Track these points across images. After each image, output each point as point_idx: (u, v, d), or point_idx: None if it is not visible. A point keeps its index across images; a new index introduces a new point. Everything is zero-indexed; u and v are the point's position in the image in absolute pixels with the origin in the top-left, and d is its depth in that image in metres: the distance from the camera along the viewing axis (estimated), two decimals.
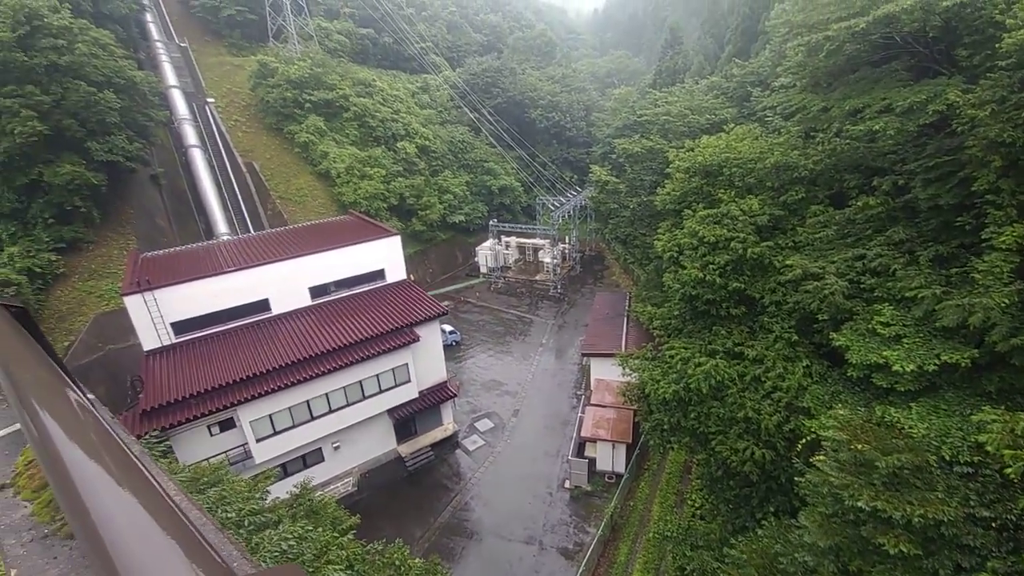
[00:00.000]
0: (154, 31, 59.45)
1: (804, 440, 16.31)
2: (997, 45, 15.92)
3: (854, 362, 16.46)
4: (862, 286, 18.68)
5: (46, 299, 33.42)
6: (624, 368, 25.13)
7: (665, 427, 22.94)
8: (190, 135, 48.30)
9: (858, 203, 20.58)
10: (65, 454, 1.34)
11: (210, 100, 54.91)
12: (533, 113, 74.07)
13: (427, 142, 60.13)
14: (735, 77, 42.27)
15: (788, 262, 21.03)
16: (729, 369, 21.06)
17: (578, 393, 36.48)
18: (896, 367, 14.77)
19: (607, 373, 31.79)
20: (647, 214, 38.57)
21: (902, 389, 15.13)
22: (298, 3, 65.33)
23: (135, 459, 1.54)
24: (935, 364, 14.31)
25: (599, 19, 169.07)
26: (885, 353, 15.42)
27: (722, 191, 25.09)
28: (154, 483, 1.50)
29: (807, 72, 26.98)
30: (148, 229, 40.78)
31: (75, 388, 2.07)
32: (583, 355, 36.07)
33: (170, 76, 53.51)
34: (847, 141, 21.53)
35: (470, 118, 68.95)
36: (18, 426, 4.05)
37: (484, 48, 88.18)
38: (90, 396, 3.10)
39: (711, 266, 22.38)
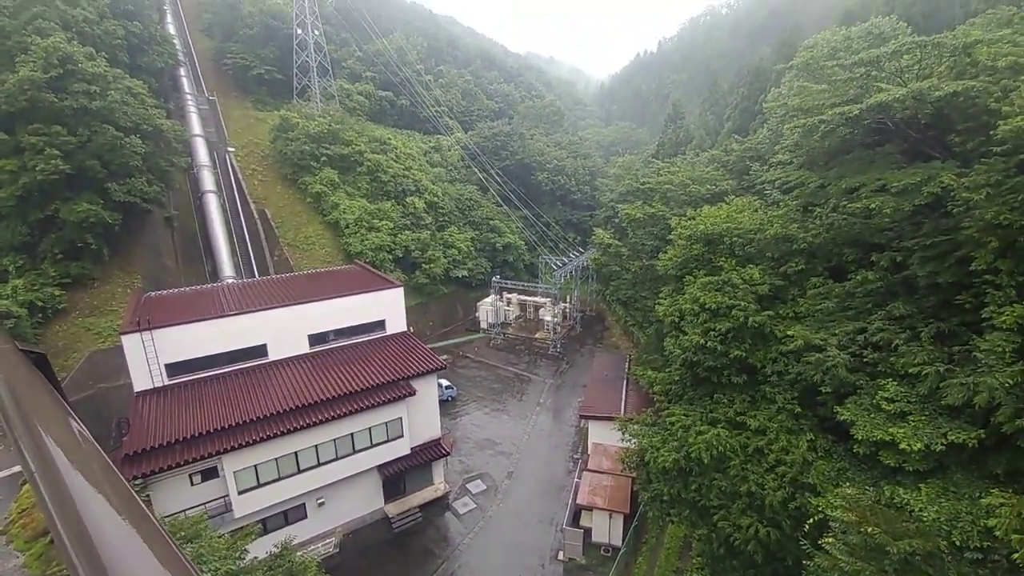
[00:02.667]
0: (186, 84, 62.92)
1: (811, 519, 15.59)
2: (992, 132, 16.71)
3: (860, 438, 16.07)
4: (865, 360, 18.56)
5: (44, 333, 33.28)
6: (623, 433, 24.49)
7: (665, 498, 22.03)
8: (207, 181, 49.90)
9: (857, 277, 20.86)
10: (69, 480, 1.35)
11: (230, 149, 57.18)
12: (540, 176, 76.74)
13: (436, 198, 61.92)
14: (735, 152, 44.12)
15: (789, 332, 21.02)
16: (731, 439, 20.51)
17: (575, 456, 35.32)
18: (903, 445, 14.40)
19: (605, 437, 30.93)
20: (649, 278, 38.99)
21: (910, 469, 14.67)
22: (324, 66, 69.52)
23: (134, 493, 1.51)
24: (942, 444, 13.96)
25: (605, 93, 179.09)
26: (892, 430, 15.08)
27: (723, 259, 25.51)
28: (152, 518, 1.47)
29: (803, 151, 28.24)
30: (155, 269, 41.21)
31: (80, 425, 2.05)
32: (581, 417, 35.25)
33: (195, 126, 56.05)
34: (844, 217, 22.14)
35: (479, 178, 71.37)
36: (14, 469, 3.93)
37: (496, 114, 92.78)
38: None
39: (712, 333, 22.34)
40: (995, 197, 15.28)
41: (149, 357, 23.31)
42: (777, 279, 24.24)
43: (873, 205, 19.98)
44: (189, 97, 60.83)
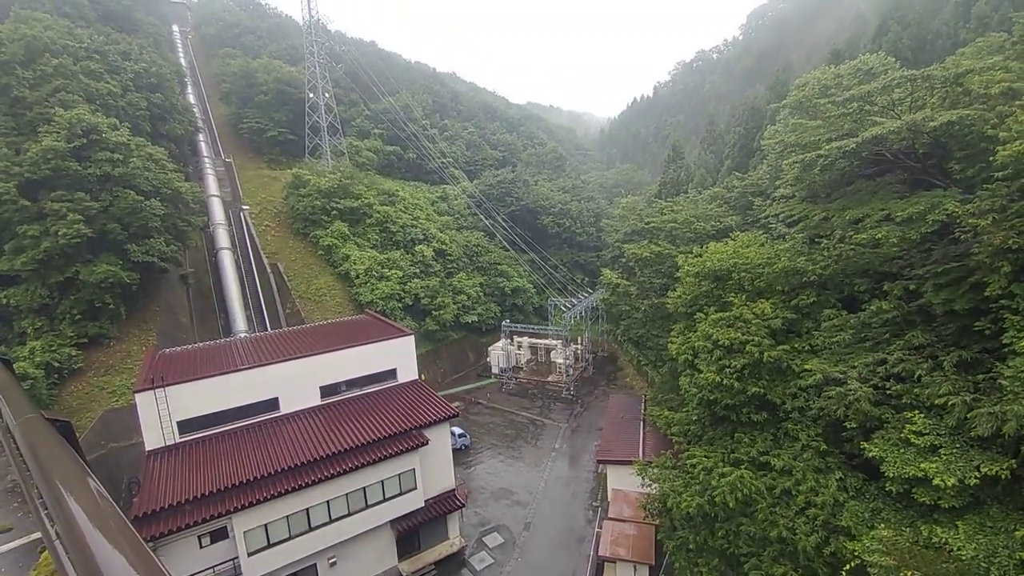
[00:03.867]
0: (204, 148, 65.95)
1: (848, 565, 14.74)
2: (991, 158, 16.86)
3: (891, 475, 15.41)
4: (888, 392, 18.04)
5: (59, 394, 33.49)
6: (643, 478, 23.68)
7: (691, 546, 21.00)
8: (223, 238, 51.35)
9: (871, 307, 20.59)
10: (91, 541, 1.40)
11: (245, 207, 59.12)
12: (545, 220, 77.99)
13: (444, 246, 62.93)
14: (736, 188, 44.74)
15: (807, 366, 20.59)
16: (756, 481, 19.73)
17: (594, 504, 34.00)
18: (937, 481, 13.78)
19: (625, 482, 29.87)
20: (659, 316, 38.77)
21: (946, 505, 13.97)
22: (334, 125, 72.71)
23: (152, 553, 1.55)
24: (975, 477, 13.35)
25: (605, 138, 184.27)
26: (924, 465, 14.47)
27: (732, 295, 25.39)
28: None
29: (804, 185, 28.58)
30: (170, 326, 41.79)
31: (100, 488, 2.10)
32: (598, 462, 34.21)
33: (212, 187, 58.29)
34: (852, 248, 22.11)
35: (485, 224, 72.68)
36: (33, 536, 3.93)
37: (500, 162, 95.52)
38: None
39: (728, 369, 21.94)
40: (1001, 222, 15.26)
41: (161, 415, 23.28)
42: (789, 312, 23.99)
43: (879, 235, 19.99)
44: (207, 160, 63.59)
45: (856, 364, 19.40)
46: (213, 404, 24.99)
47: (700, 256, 28.82)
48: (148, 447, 23.46)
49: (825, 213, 25.18)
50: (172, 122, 58.16)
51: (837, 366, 19.73)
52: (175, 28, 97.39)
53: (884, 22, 61.42)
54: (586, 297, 62.38)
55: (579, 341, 59.84)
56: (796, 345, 23.06)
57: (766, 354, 21.43)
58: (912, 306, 19.69)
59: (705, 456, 21.91)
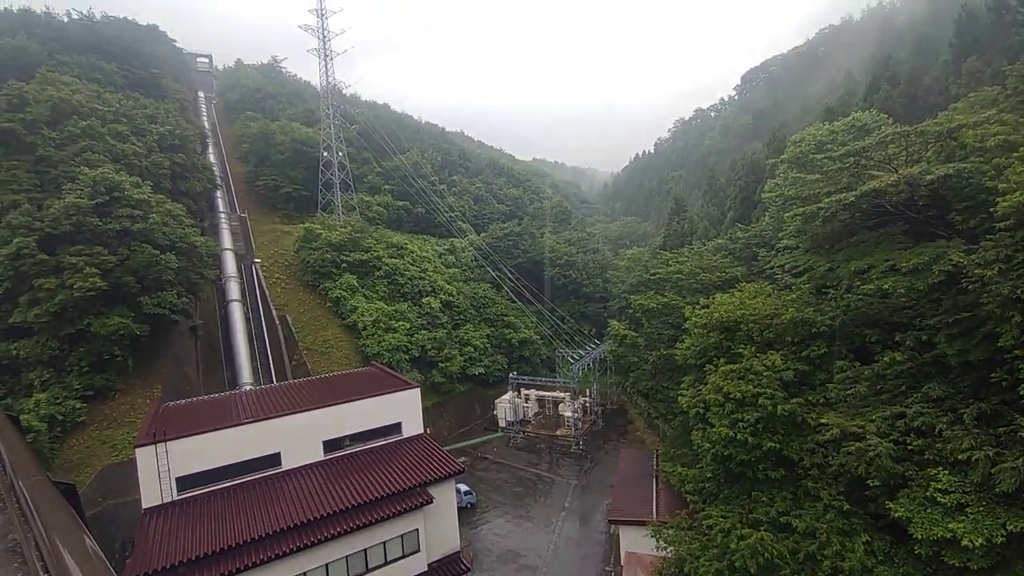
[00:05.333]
0: (221, 204, 68.26)
1: None
2: (992, 209, 17.07)
3: (919, 537, 14.62)
4: (909, 447, 17.43)
5: (60, 448, 33.02)
6: (657, 540, 22.55)
7: None
8: (233, 291, 52.09)
9: (885, 359, 20.27)
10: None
11: (257, 260, 60.33)
12: (551, 271, 78.72)
13: (451, 298, 63.35)
14: (740, 239, 45.26)
15: (823, 420, 20.03)
16: (778, 544, 18.73)
17: (607, 569, 32.16)
18: (965, 542, 13.06)
19: (639, 544, 28.38)
20: (668, 367, 38.23)
21: (975, 567, 13.16)
22: (346, 182, 75.37)
23: None
24: (1002, 535, 12.66)
25: (609, 191, 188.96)
26: (952, 526, 13.78)
27: (742, 346, 25.13)
28: None
29: (807, 236, 28.91)
30: (176, 378, 41.68)
31: (98, 549, 2.13)
32: (610, 522, 32.72)
33: (226, 241, 59.82)
34: (860, 298, 22.05)
35: (492, 276, 73.42)
36: None
37: (506, 216, 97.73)
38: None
39: (741, 424, 21.38)
40: (1008, 272, 15.26)
41: (161, 471, 22.77)
42: (801, 364, 23.62)
43: (887, 286, 19.97)
44: (223, 215, 65.65)
45: (874, 418, 18.85)
46: (213, 459, 24.44)
47: (707, 307, 28.79)
48: (145, 504, 22.78)
49: (830, 264, 25.31)
50: (192, 180, 60.57)
51: (854, 420, 19.17)
52: (201, 94, 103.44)
53: (874, 80, 63.98)
54: (594, 348, 61.86)
55: (588, 393, 58.76)
56: (810, 398, 22.53)
57: (779, 407, 20.92)
58: (926, 357, 19.37)
59: (722, 516, 20.94)
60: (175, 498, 23.31)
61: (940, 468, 15.76)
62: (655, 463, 35.63)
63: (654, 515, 28.53)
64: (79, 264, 36.25)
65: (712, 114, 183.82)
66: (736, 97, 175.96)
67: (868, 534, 18.05)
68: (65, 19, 79.72)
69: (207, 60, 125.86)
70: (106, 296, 37.32)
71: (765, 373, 22.32)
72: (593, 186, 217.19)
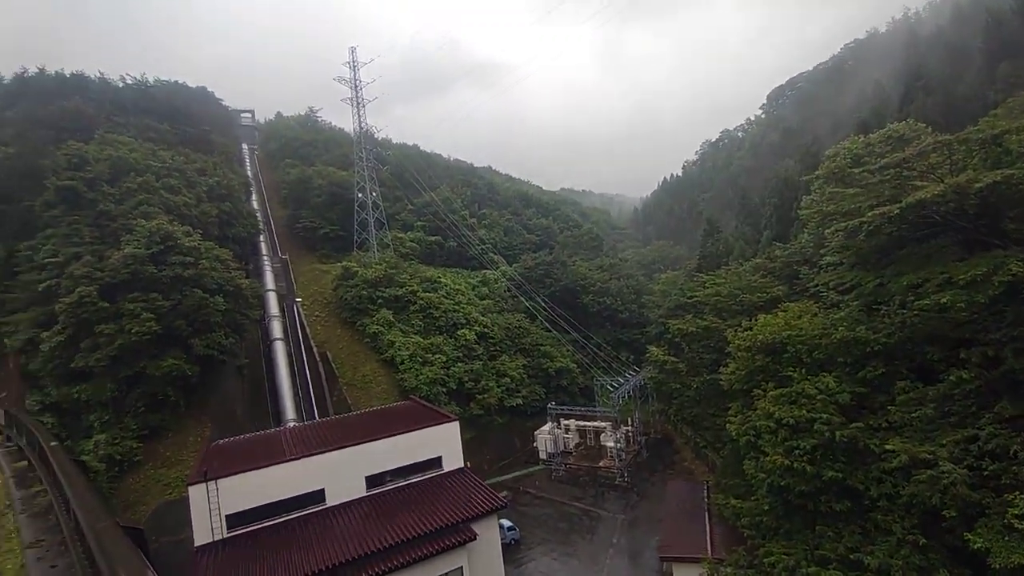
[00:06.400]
0: (263, 247, 71.48)
1: None
2: None
3: (997, 567, 13.37)
4: (985, 472, 16.12)
5: (117, 487, 34.22)
6: None
7: None
8: (276, 330, 53.88)
9: (951, 378, 19.04)
10: None
11: (298, 300, 62.46)
12: (585, 299, 78.16)
13: (486, 329, 63.54)
14: (779, 258, 43.99)
15: (889, 446, 18.83)
16: None
17: None
18: None
19: None
20: (713, 393, 36.91)
21: None
22: (380, 220, 77.86)
23: None
24: None
25: (639, 216, 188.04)
26: None
27: (790, 368, 24.10)
28: None
29: (852, 252, 27.89)
30: (224, 416, 42.96)
31: None
32: (662, 559, 31.18)
33: (269, 282, 62.33)
34: (916, 314, 20.94)
35: (526, 306, 73.47)
36: None
37: (537, 246, 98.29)
38: None
39: (797, 451, 20.29)
40: None
41: (212, 508, 23.25)
42: (856, 386, 22.41)
43: (945, 300, 18.95)
44: (265, 258, 68.64)
45: (945, 442, 17.58)
46: (261, 497, 24.82)
47: (750, 329, 27.87)
48: (197, 542, 23.22)
49: (879, 279, 24.24)
50: (237, 226, 63.88)
51: (923, 445, 17.91)
52: (244, 146, 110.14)
53: (908, 91, 62.40)
54: (633, 376, 60.43)
55: (629, 422, 57.13)
56: (871, 422, 21.24)
57: (838, 433, 19.79)
58: (995, 373, 18.08)
59: (785, 553, 19.67)
60: (225, 536, 23.67)
61: (1017, 492, 14.53)
62: (706, 495, 34.03)
63: (709, 551, 27.07)
64: (136, 310, 38.38)
65: (739, 134, 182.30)
66: (763, 116, 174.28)
67: (947, 569, 16.60)
68: (120, 84, 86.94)
69: (250, 115, 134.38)
70: (160, 339, 39.20)
71: (819, 397, 21.23)
72: (622, 212, 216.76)
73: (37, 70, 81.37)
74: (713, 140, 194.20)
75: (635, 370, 63.76)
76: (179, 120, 79.72)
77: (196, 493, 23.21)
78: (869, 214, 23.48)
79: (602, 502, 45.76)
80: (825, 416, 20.26)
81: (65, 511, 5.63)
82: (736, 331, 29.10)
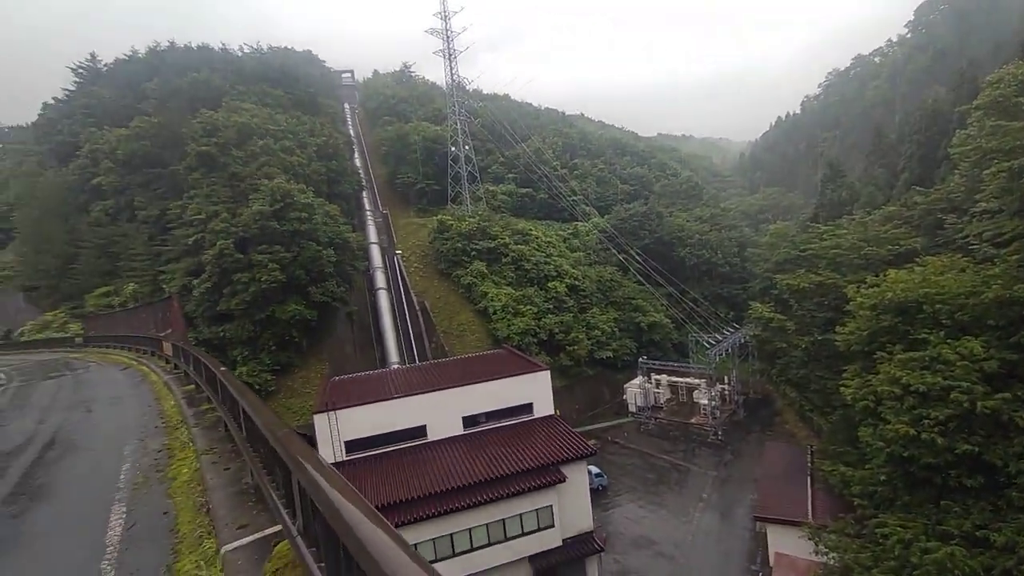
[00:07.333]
0: (367, 203, 76.19)
1: None
2: None
3: None
4: None
5: None
6: (816, 544, 20.41)
7: None
8: (380, 280, 58.03)
9: None
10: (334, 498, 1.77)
11: (398, 252, 66.34)
12: (682, 252, 74.40)
13: (576, 281, 63.27)
14: (919, 205, 38.24)
15: None
16: (971, 560, 15.80)
17: (752, 568, 30.00)
18: None
19: (790, 546, 26.03)
20: (825, 355, 34.00)
21: None
22: (473, 174, 78.97)
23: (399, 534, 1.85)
24: None
25: (746, 162, 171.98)
26: None
27: (925, 331, 21.35)
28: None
29: (1015, 197, 23.51)
30: (338, 356, 47.86)
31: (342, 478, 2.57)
32: (756, 519, 30.42)
33: (372, 235, 66.70)
34: None
35: (618, 259, 71.70)
36: (267, 532, 4.72)
37: (631, 196, 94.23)
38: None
39: (926, 421, 18.25)
40: None
41: (333, 435, 26.44)
42: (1008, 352, 19.36)
43: None
44: (368, 213, 73.22)
45: None
46: (372, 428, 27.67)
47: (877, 286, 24.89)
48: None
49: None
50: (343, 183, 68.39)
51: None
52: (346, 105, 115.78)
53: None
54: (732, 333, 57.31)
55: (726, 380, 54.85)
56: (1020, 393, 18.40)
57: (979, 404, 17.43)
58: None
59: (901, 526, 18.18)
60: (344, 458, 26.91)
61: None
62: (809, 460, 32.14)
63: (810, 516, 25.84)
64: (264, 261, 43.22)
65: (876, 59, 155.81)
66: (908, 36, 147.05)
67: None
68: (239, 53, 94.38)
69: (350, 75, 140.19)
70: (284, 287, 44.04)
71: (959, 363, 18.65)
72: (727, 158, 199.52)
73: (168, 44, 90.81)
74: (842, 69, 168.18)
75: (734, 327, 60.33)
76: (290, 84, 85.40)
77: (320, 421, 26.45)
78: None
79: (693, 457, 45.15)
80: (965, 384, 17.85)
81: (236, 424, 6.66)
82: (859, 288, 26.14)
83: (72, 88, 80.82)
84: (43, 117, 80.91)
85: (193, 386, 14.38)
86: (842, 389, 24.19)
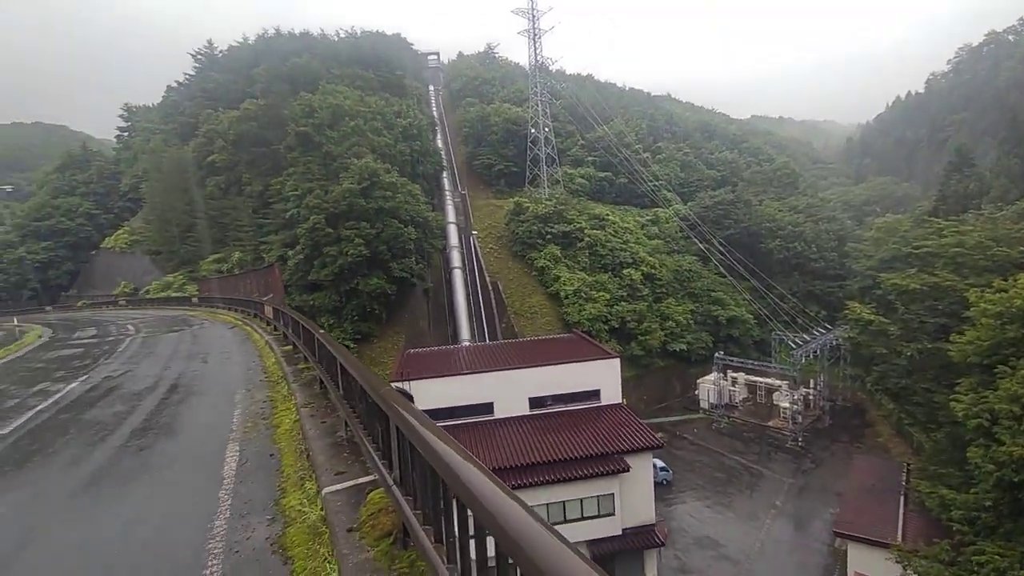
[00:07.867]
0: (446, 183, 78.24)
1: None
2: None
3: None
4: None
5: None
6: (904, 567, 18.81)
7: None
8: (455, 259, 59.76)
9: None
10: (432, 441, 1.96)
11: (475, 232, 67.78)
12: (770, 243, 69.60)
13: (653, 270, 61.41)
14: None
15: None
16: None
17: None
18: None
19: (873, 568, 24.17)
20: (933, 365, 30.65)
21: None
22: (551, 156, 78.37)
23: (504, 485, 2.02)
24: None
25: (854, 147, 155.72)
26: None
27: None
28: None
29: None
30: (414, 330, 50.19)
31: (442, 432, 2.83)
32: (836, 534, 28.45)
33: (450, 215, 68.59)
34: None
35: (699, 248, 68.54)
36: (360, 480, 5.21)
37: (717, 182, 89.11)
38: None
39: None
40: None
41: None
42: None
43: None
44: (448, 193, 75.22)
45: None
46: (443, 400, 28.92)
47: (1005, 291, 21.95)
48: None
49: None
50: (425, 163, 70.60)
51: None
52: (431, 87, 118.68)
53: None
54: (822, 334, 53.11)
55: (811, 385, 51.16)
56: None
57: None
58: None
59: (999, 555, 16.32)
60: None
61: None
62: (904, 478, 29.38)
63: (899, 538, 23.75)
64: (351, 235, 46.01)
65: (1011, 37, 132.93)
66: None
67: None
68: (335, 38, 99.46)
69: (436, 56, 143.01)
70: (368, 261, 46.71)
71: None
72: (829, 143, 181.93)
73: (274, 31, 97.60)
74: (974, 45, 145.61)
75: (826, 327, 55.82)
76: (380, 67, 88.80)
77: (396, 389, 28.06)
78: None
79: (768, 462, 42.86)
80: None
81: (332, 381, 7.34)
82: (983, 292, 23.19)
83: (192, 73, 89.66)
84: (167, 99, 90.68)
85: (290, 346, 15.81)
86: (952, 404, 21.76)
